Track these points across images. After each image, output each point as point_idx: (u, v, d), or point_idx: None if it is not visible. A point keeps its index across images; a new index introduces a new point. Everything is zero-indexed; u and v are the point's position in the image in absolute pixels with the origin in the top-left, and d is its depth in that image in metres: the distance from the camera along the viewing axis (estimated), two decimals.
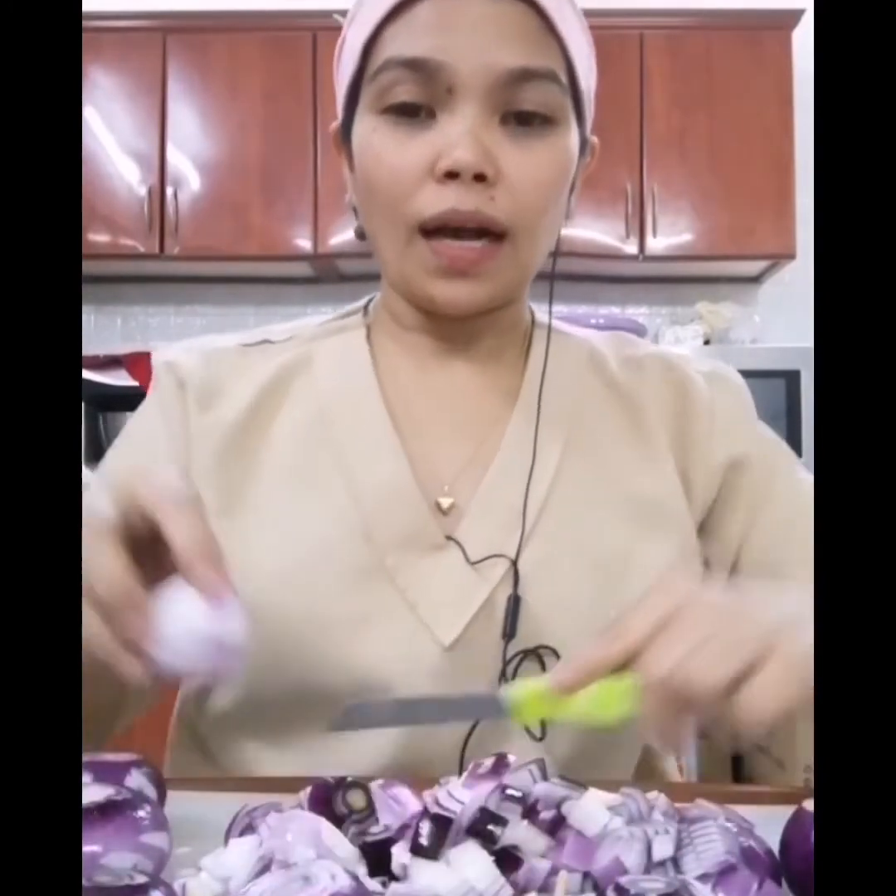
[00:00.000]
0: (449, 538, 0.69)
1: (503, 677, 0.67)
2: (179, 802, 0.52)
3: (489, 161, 0.63)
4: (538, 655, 0.67)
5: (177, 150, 3.11)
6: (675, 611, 0.47)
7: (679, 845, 0.42)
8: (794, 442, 2.96)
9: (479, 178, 0.63)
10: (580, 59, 0.67)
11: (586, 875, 0.41)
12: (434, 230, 0.65)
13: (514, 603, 0.67)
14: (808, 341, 2.98)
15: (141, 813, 0.44)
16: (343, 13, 0.71)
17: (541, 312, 0.80)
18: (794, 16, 3.06)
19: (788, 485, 0.76)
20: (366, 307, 0.79)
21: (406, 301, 0.73)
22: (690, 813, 0.44)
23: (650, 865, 0.41)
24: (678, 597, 0.48)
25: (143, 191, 3.09)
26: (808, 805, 0.45)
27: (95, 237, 3.06)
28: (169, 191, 3.08)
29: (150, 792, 0.49)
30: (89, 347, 3.07)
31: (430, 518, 0.69)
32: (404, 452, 0.71)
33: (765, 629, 0.47)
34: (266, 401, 0.73)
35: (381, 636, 0.67)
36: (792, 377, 2.95)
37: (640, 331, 3.19)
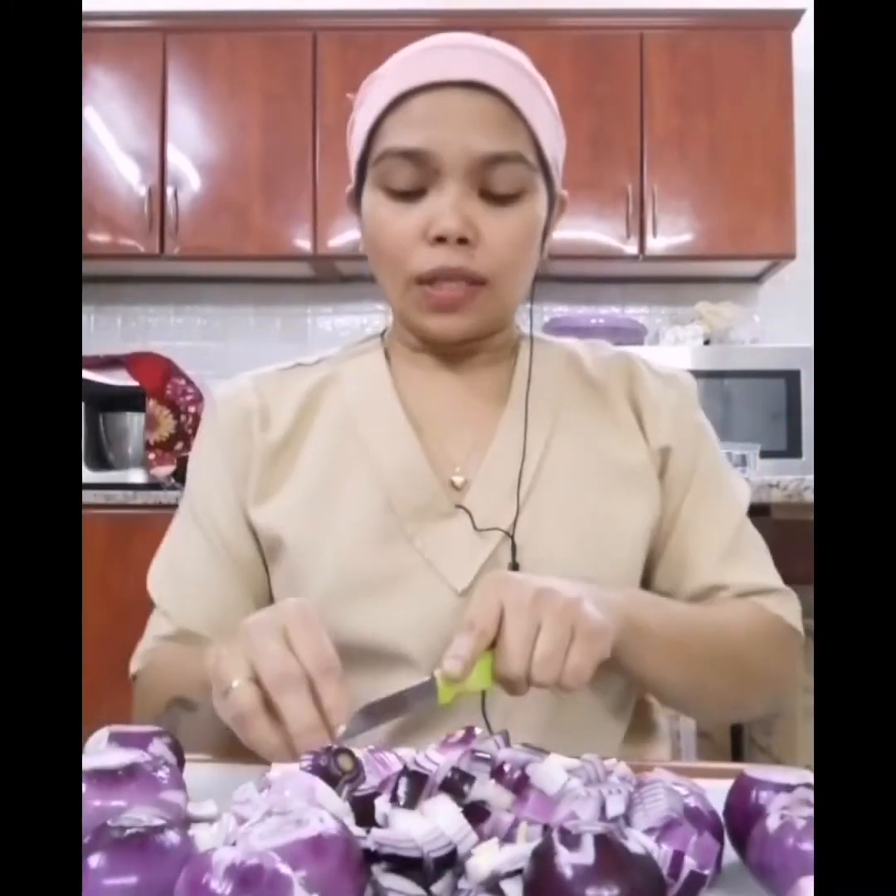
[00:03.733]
0: (459, 507, 0.83)
1: None
2: (195, 771, 0.57)
3: (470, 227, 0.78)
4: None
5: (177, 150, 3.11)
6: (504, 600, 0.62)
7: (630, 804, 0.47)
8: (794, 442, 2.96)
9: (462, 241, 0.78)
10: (546, 135, 0.81)
11: (546, 827, 0.45)
12: (427, 279, 0.80)
13: (513, 568, 0.81)
14: (808, 341, 2.98)
15: (161, 774, 0.49)
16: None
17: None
18: (794, 16, 3.07)
19: (712, 470, 0.90)
20: (382, 335, 0.95)
21: (409, 331, 0.89)
22: (647, 778, 0.49)
23: (604, 821, 0.45)
24: (500, 588, 0.63)
25: (143, 191, 3.09)
26: (749, 771, 0.49)
27: (95, 237, 3.06)
28: (169, 191, 3.09)
29: (170, 758, 0.55)
30: (89, 347, 3.08)
31: (442, 491, 0.84)
32: (419, 441, 0.85)
33: (565, 606, 0.63)
34: (303, 413, 0.89)
35: (404, 589, 0.81)
36: (792, 377, 2.95)
37: (640, 331, 3.18)
